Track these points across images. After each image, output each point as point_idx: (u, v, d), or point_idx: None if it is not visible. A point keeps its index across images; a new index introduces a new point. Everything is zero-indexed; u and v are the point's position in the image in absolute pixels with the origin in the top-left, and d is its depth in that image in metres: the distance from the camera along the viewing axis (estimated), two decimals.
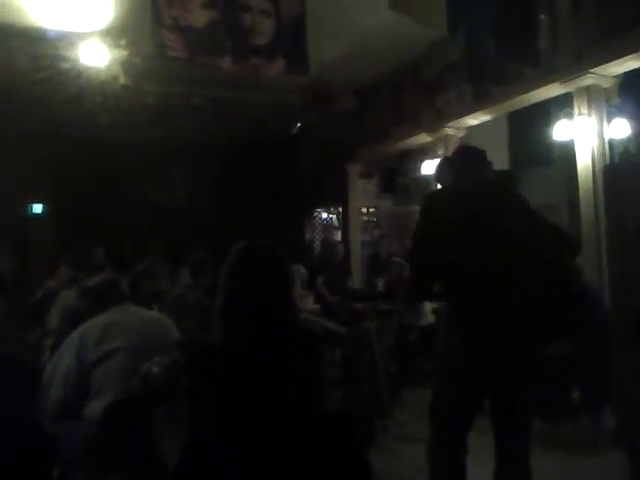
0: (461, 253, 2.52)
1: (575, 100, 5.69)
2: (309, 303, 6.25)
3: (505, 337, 2.45)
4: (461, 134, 7.61)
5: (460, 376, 2.53)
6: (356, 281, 9.28)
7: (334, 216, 11.55)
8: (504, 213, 2.61)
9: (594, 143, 5.52)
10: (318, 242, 11.48)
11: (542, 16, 5.50)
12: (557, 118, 6.31)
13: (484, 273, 2.49)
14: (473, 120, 7.18)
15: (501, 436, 2.61)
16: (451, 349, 2.60)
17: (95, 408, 2.54)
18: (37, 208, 9.48)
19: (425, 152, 8.58)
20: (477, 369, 2.48)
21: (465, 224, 2.54)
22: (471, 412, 2.61)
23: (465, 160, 2.82)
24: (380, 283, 7.65)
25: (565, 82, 5.69)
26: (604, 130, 5.60)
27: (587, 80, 5.51)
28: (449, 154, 7.44)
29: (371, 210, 10.62)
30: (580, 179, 5.61)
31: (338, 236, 11.01)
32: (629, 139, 6.40)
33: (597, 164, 5.44)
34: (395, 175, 10.41)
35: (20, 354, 3.88)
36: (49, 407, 2.61)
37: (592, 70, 5.40)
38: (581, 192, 5.60)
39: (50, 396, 2.64)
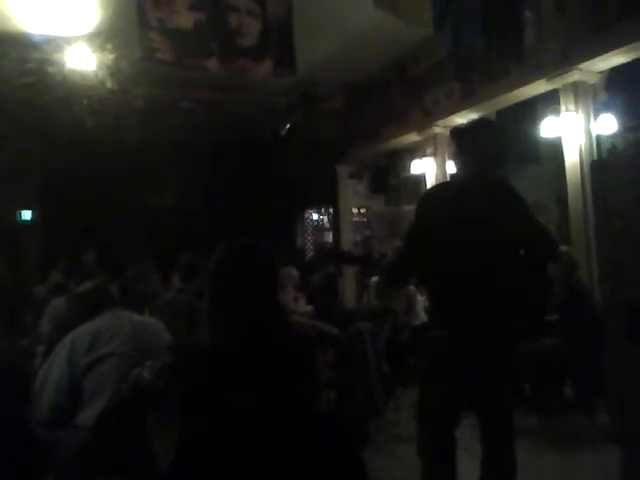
0: (451, 248, 2.55)
1: (562, 97, 5.71)
2: (302, 305, 6.26)
3: (489, 331, 2.49)
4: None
5: (446, 370, 2.54)
6: (347, 281, 9.29)
7: (325, 217, 11.56)
8: (500, 213, 2.61)
9: (581, 139, 5.55)
10: (310, 244, 11.49)
11: (527, 13, 5.52)
12: (544, 115, 6.34)
13: (472, 269, 2.52)
14: (461, 118, 7.19)
15: (487, 428, 2.65)
16: (437, 343, 2.62)
17: (88, 415, 2.53)
18: (26, 214, 9.40)
19: (414, 151, 8.60)
20: (463, 363, 2.50)
21: (459, 222, 2.55)
22: (458, 407, 2.63)
23: (479, 146, 2.68)
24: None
25: (551, 79, 5.72)
26: (591, 126, 5.63)
27: (573, 76, 5.54)
28: (438, 153, 7.52)
29: (362, 210, 10.63)
30: (568, 175, 5.64)
31: (329, 237, 11.02)
32: (616, 135, 6.43)
33: (585, 160, 5.47)
34: (385, 175, 10.42)
35: (11, 361, 3.85)
36: (41, 414, 2.60)
37: (578, 66, 5.43)
38: (569, 188, 5.63)
39: (42, 403, 2.62)
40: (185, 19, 4.77)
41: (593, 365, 4.20)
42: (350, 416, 3.94)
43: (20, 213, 9.34)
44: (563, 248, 5.14)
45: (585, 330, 4.33)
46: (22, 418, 2.32)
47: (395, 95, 8.33)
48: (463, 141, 2.75)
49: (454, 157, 2.87)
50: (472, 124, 3.03)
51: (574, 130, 5.58)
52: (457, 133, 2.85)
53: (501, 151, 2.75)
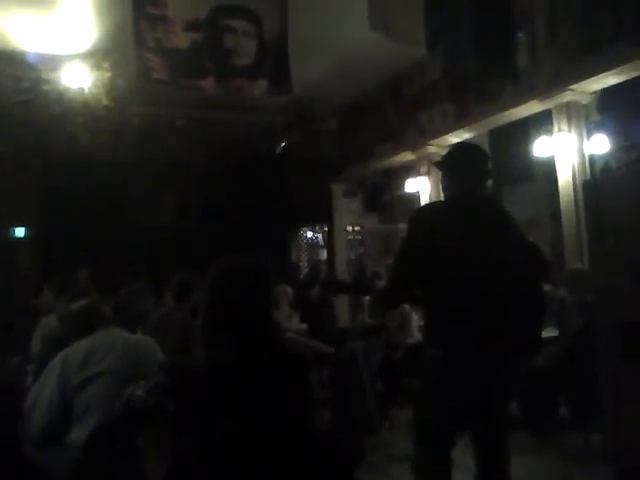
0: (445, 267, 2.54)
1: (554, 117, 5.77)
2: (295, 322, 6.24)
3: (484, 349, 2.47)
4: (443, 152, 7.67)
5: (441, 390, 2.53)
6: (341, 299, 9.26)
7: (319, 235, 11.57)
8: (492, 230, 2.62)
9: (574, 159, 5.59)
10: (304, 261, 11.48)
11: (520, 35, 5.59)
12: (537, 135, 6.39)
13: (466, 287, 2.51)
14: (455, 138, 7.25)
15: (481, 447, 2.63)
16: (431, 363, 2.60)
17: (79, 434, 2.50)
18: (19, 232, 9.36)
19: (409, 169, 8.64)
20: (458, 382, 2.48)
21: (451, 239, 2.55)
22: (455, 427, 2.61)
23: (465, 168, 2.76)
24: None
25: (544, 99, 5.78)
26: (584, 146, 5.68)
27: (566, 97, 5.60)
28: (432, 172, 7.55)
29: (356, 228, 10.65)
30: (561, 194, 5.67)
31: (324, 255, 11.02)
32: (609, 154, 6.48)
33: (578, 179, 5.51)
34: (379, 193, 10.47)
35: (2, 379, 3.82)
36: (32, 433, 2.57)
37: (570, 87, 5.49)
38: (562, 207, 5.66)
39: (33, 422, 2.59)
40: (181, 39, 4.81)
41: (589, 383, 4.17)
42: (345, 435, 3.91)
43: (13, 230, 9.30)
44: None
45: (581, 348, 4.31)
46: (13, 437, 2.30)
47: (390, 114, 8.39)
48: (444, 166, 2.84)
49: (440, 183, 2.96)
50: (451, 149, 3.08)
51: (567, 150, 5.63)
52: (438, 162, 2.94)
53: (481, 171, 2.79)
